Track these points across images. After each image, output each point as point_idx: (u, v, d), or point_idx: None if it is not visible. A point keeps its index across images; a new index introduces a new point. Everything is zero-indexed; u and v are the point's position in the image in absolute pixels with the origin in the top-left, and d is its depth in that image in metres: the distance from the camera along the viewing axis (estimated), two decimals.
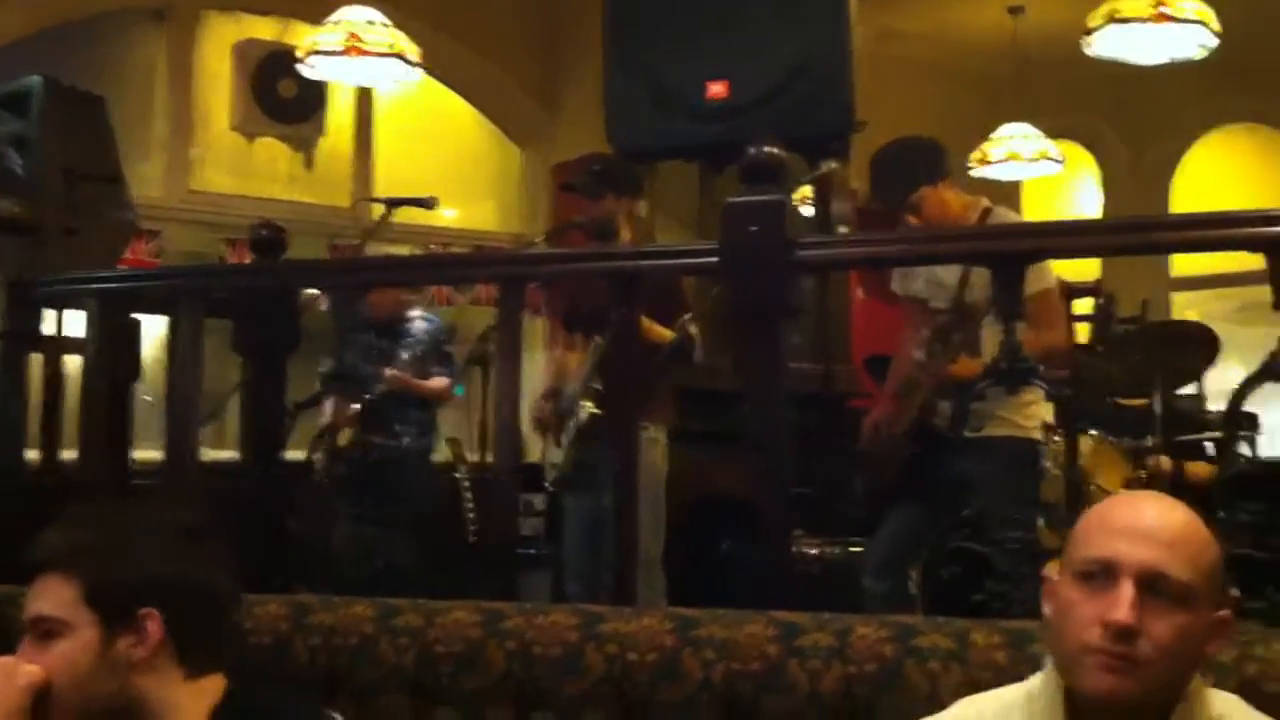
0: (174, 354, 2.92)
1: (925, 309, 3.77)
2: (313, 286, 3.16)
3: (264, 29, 6.72)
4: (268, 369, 2.87)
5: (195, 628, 1.72)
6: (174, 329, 2.92)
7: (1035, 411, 3.68)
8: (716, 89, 3.20)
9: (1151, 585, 1.44)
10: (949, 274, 3.64)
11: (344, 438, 5.05)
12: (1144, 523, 1.48)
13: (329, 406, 4.71)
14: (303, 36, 5.58)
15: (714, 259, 2.51)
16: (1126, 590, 1.43)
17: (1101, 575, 1.46)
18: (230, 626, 1.83)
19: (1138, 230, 2.61)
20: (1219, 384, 6.13)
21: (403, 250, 6.35)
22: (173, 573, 1.71)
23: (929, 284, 3.76)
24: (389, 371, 5.14)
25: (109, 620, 1.68)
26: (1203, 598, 1.46)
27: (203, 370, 2.94)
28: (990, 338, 3.62)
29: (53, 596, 1.69)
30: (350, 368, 5.10)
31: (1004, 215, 3.84)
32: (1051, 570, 1.58)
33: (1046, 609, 1.54)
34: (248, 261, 3.37)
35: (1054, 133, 7.37)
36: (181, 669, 1.70)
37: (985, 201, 3.78)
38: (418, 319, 5.41)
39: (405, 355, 5.26)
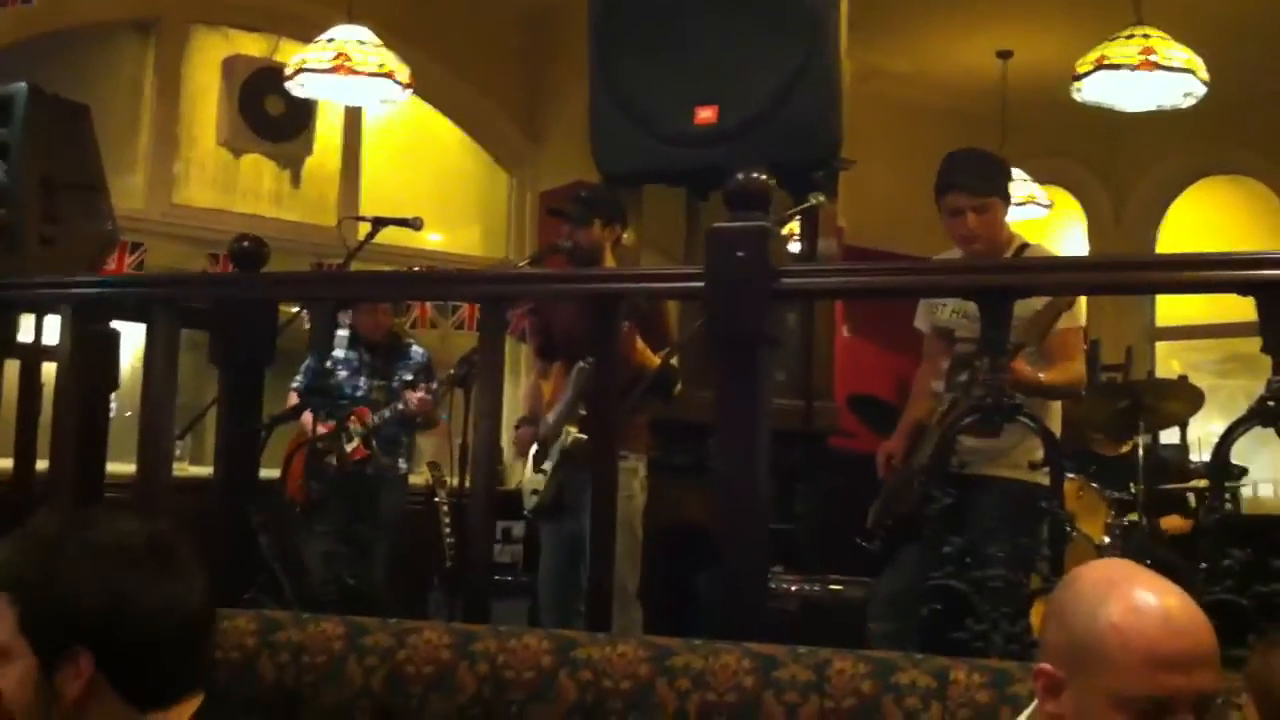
0: (149, 363, 2.87)
1: (949, 339, 3.67)
2: (292, 299, 3.12)
3: (253, 45, 6.68)
4: (244, 382, 2.82)
5: (138, 663, 1.60)
6: (150, 337, 2.87)
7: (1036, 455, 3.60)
8: (705, 114, 3.15)
9: (1199, 707, 1.41)
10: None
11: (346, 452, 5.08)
12: (1188, 645, 1.41)
13: (309, 421, 4.65)
14: (292, 54, 5.56)
15: (698, 284, 2.47)
16: None
17: (1156, 711, 1.40)
18: (197, 648, 1.68)
19: (1130, 268, 2.59)
20: (1200, 435, 6.13)
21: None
22: (107, 606, 1.58)
23: (955, 314, 3.65)
24: (417, 395, 5.15)
25: (43, 653, 1.58)
26: None
27: (177, 381, 2.88)
28: None
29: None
30: (329, 383, 5.07)
31: (1039, 252, 3.76)
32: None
33: (1053, 708, 1.48)
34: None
35: (1040, 178, 7.38)
36: (129, 705, 1.60)
37: (1023, 238, 3.75)
38: (415, 346, 5.47)
39: (409, 377, 5.29)
